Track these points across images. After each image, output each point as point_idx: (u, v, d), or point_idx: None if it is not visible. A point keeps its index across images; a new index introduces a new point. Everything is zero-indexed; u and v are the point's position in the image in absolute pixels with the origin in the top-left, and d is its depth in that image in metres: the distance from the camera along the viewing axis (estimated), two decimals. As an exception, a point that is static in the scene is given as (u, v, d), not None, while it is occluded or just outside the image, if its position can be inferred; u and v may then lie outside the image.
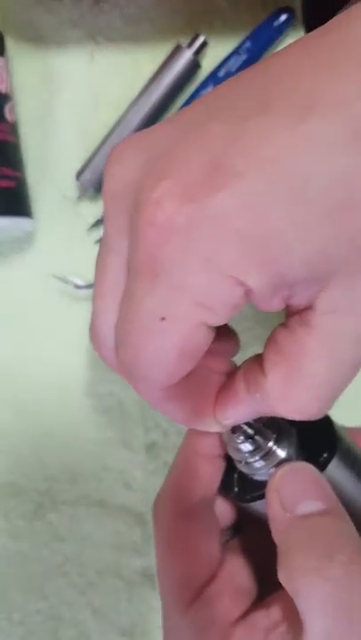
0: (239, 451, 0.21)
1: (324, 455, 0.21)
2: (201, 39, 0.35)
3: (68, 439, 0.37)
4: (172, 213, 0.16)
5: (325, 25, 0.17)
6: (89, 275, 0.36)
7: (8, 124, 0.33)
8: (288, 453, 0.21)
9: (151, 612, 0.37)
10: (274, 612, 0.20)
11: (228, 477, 0.23)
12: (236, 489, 0.23)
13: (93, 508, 0.37)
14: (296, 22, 0.36)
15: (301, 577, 0.18)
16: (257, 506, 0.22)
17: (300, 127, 0.15)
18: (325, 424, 0.22)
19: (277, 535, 0.20)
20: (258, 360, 0.20)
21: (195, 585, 0.21)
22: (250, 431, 0.21)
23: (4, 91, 0.33)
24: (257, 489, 0.21)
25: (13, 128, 0.34)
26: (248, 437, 0.21)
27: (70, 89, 0.37)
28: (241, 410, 0.20)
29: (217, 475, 0.23)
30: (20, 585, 0.38)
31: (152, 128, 0.18)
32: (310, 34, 0.17)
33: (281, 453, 0.21)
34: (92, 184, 0.35)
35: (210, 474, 0.23)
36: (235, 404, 0.20)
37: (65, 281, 0.36)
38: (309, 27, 0.33)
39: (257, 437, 0.21)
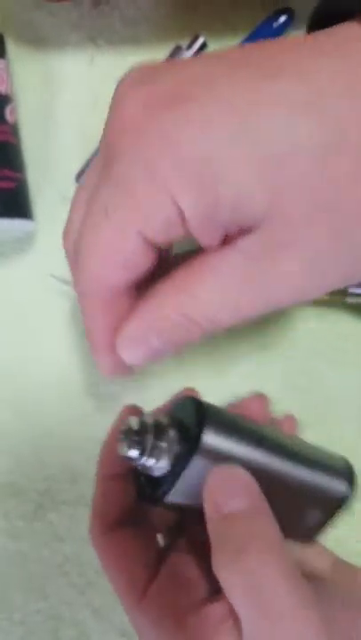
0: (132, 459, 0.23)
1: (196, 431, 0.22)
2: (201, 40, 0.35)
3: (68, 439, 0.38)
4: (133, 112, 0.18)
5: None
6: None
7: (9, 125, 0.34)
8: (168, 441, 0.23)
9: (151, 611, 0.37)
10: (224, 605, 0.21)
11: (139, 485, 0.25)
12: (148, 491, 0.24)
13: (93, 507, 0.37)
14: (295, 23, 0.36)
15: (223, 570, 0.20)
16: (176, 500, 0.23)
17: (263, 82, 0.17)
18: (194, 405, 0.23)
19: (209, 531, 0.21)
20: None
21: (138, 585, 0.23)
22: (134, 438, 0.23)
23: (4, 92, 0.34)
24: (163, 484, 0.23)
25: (14, 129, 0.34)
26: (132, 443, 0.23)
27: (70, 91, 0.37)
28: (135, 324, 0.22)
29: (127, 489, 0.25)
30: (21, 585, 0.38)
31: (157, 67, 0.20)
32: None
33: (163, 444, 0.23)
34: (92, 185, 0.35)
35: (119, 491, 0.25)
36: (129, 321, 0.22)
37: (64, 281, 0.36)
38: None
39: (139, 439, 0.23)
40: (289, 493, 0.25)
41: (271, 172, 0.17)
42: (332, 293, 0.32)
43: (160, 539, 0.26)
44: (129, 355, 0.23)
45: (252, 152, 0.17)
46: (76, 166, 0.36)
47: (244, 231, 0.19)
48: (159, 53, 0.36)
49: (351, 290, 0.32)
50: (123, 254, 0.20)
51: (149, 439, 0.23)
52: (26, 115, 0.36)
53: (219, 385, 0.35)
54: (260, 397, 0.31)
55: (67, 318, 0.37)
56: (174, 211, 0.18)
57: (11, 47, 0.36)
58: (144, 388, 0.37)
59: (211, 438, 0.22)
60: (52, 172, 0.37)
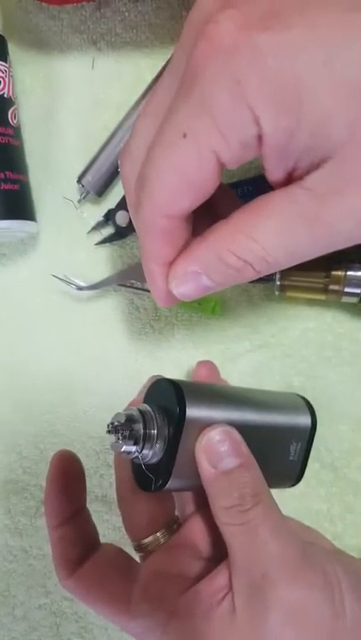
0: (129, 453, 0.24)
1: (181, 409, 0.24)
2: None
3: (70, 436, 0.38)
4: (225, 33, 0.18)
5: None
6: (90, 276, 0.37)
7: (12, 128, 0.34)
8: (157, 427, 0.24)
9: (151, 606, 0.37)
10: (220, 580, 0.23)
11: (139, 477, 0.26)
12: (148, 480, 0.25)
13: (95, 504, 0.37)
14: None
15: (225, 516, 0.23)
16: (176, 482, 0.25)
17: (355, 12, 0.17)
18: (169, 385, 0.25)
19: (207, 487, 0.24)
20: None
21: (122, 600, 0.25)
22: (125, 433, 0.24)
23: (7, 95, 0.34)
24: (161, 469, 0.25)
25: (16, 132, 0.34)
26: (125, 438, 0.24)
27: (72, 93, 0.37)
28: (188, 263, 0.22)
29: (79, 527, 0.27)
30: (23, 581, 0.38)
31: None
32: None
33: (153, 432, 0.24)
34: (94, 187, 0.36)
35: (72, 532, 0.26)
36: (183, 258, 0.22)
37: (67, 282, 0.36)
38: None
39: (130, 433, 0.24)
40: (268, 439, 0.27)
41: (357, 99, 0.17)
42: (329, 293, 0.33)
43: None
44: (180, 291, 0.23)
45: (340, 78, 0.17)
46: (78, 168, 0.36)
47: (312, 167, 0.19)
48: (160, 57, 0.36)
49: (347, 290, 0.32)
50: (197, 176, 0.20)
51: (139, 429, 0.24)
52: (28, 117, 0.37)
53: (218, 383, 0.36)
54: (207, 363, 0.34)
55: (69, 318, 0.38)
56: (254, 131, 0.18)
57: (13, 50, 0.36)
58: (144, 388, 0.37)
59: (194, 411, 0.24)
60: (54, 173, 0.37)
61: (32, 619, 0.38)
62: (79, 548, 0.26)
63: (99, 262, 0.37)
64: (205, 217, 0.23)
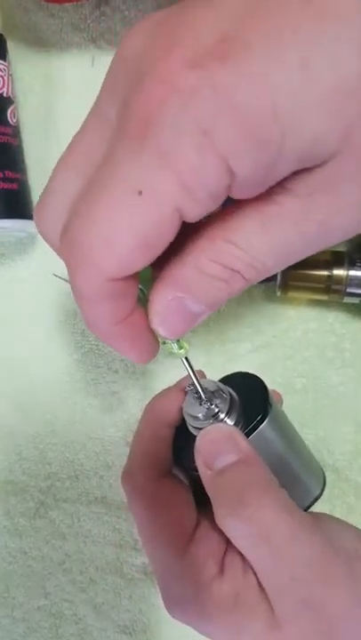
0: (197, 418, 0.24)
1: (258, 418, 0.24)
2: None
3: (70, 437, 0.38)
4: (178, 74, 0.15)
5: None
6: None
7: (10, 127, 0.34)
8: (236, 408, 0.24)
9: (152, 608, 0.37)
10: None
11: (179, 453, 0.26)
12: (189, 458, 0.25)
13: (95, 505, 0.37)
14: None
15: (224, 522, 0.22)
16: None
17: (309, 7, 0.15)
18: (261, 389, 0.25)
19: (207, 489, 0.23)
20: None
21: (187, 532, 0.24)
22: (205, 397, 0.24)
23: (6, 94, 0.34)
24: None
25: (16, 131, 0.34)
26: (205, 403, 0.24)
27: (72, 92, 0.37)
28: (164, 293, 0.19)
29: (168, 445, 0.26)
30: (22, 582, 0.38)
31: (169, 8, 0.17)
32: None
33: (230, 422, 0.24)
34: (94, 186, 0.36)
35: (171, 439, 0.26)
36: (155, 291, 0.19)
37: (66, 280, 0.36)
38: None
39: (211, 405, 0.24)
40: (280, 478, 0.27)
41: (344, 107, 0.15)
42: (331, 293, 0.32)
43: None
44: (167, 329, 0.20)
45: (323, 88, 0.15)
46: (78, 167, 0.36)
47: (295, 177, 0.17)
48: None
49: (350, 290, 0.32)
50: (156, 235, 0.17)
51: (220, 414, 0.24)
52: (27, 116, 0.36)
53: (219, 384, 0.36)
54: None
55: (69, 317, 0.37)
56: (226, 180, 0.16)
57: (12, 49, 0.36)
58: (145, 388, 0.37)
59: (266, 429, 0.24)
60: (53, 172, 0.37)
61: (31, 620, 0.38)
62: (163, 461, 0.27)
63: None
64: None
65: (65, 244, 0.18)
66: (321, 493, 0.29)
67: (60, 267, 0.38)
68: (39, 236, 0.38)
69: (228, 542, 0.24)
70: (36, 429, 0.38)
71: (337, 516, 0.36)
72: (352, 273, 0.32)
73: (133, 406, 0.37)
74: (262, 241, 0.18)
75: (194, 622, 0.24)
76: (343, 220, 0.18)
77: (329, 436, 0.35)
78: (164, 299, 0.19)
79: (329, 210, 0.17)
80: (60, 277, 0.36)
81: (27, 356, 0.38)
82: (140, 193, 0.16)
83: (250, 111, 0.15)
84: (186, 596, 0.23)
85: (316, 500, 0.29)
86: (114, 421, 0.37)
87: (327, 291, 0.33)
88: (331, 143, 0.16)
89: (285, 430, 0.26)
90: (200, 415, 0.24)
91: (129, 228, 0.17)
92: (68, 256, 0.18)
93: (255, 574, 0.23)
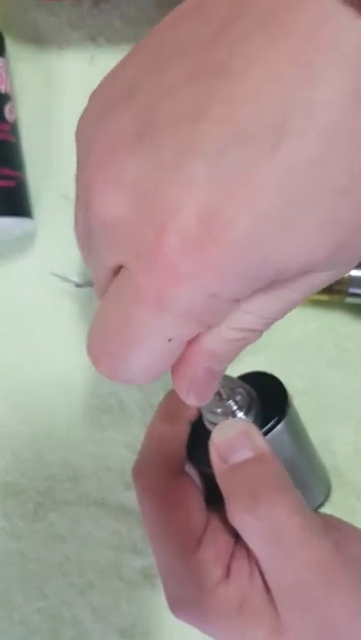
0: (215, 414, 0.24)
1: (276, 418, 0.24)
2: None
3: (69, 439, 0.37)
4: (179, 263, 0.16)
5: None
6: (89, 274, 0.36)
7: (8, 124, 0.34)
8: (256, 407, 0.24)
9: (151, 611, 0.37)
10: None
11: (194, 448, 0.26)
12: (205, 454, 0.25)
13: (94, 507, 0.37)
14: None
15: (238, 518, 0.22)
16: None
17: (276, 150, 0.14)
18: (280, 390, 0.25)
19: (220, 483, 0.23)
20: None
21: (195, 534, 0.24)
22: (224, 395, 0.24)
23: (4, 91, 0.34)
24: None
25: (14, 128, 0.34)
26: (225, 399, 0.24)
27: (70, 89, 0.37)
28: (186, 366, 0.20)
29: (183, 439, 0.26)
30: (20, 585, 0.38)
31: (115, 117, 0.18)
32: None
33: (253, 410, 0.24)
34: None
35: (186, 436, 0.26)
36: (176, 370, 0.20)
37: (65, 279, 0.36)
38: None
39: (231, 401, 0.24)
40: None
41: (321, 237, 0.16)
42: (333, 293, 0.32)
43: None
44: (197, 398, 0.20)
45: (313, 215, 0.15)
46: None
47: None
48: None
49: (351, 290, 0.32)
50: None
51: (239, 413, 0.24)
52: (26, 113, 0.36)
53: (219, 385, 0.35)
54: None
55: (67, 316, 0.37)
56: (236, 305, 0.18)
57: (10, 46, 0.36)
58: (145, 389, 0.37)
59: (282, 430, 0.24)
60: (51, 170, 0.36)
61: (30, 623, 0.38)
62: (179, 456, 0.26)
63: (97, 261, 0.37)
64: None
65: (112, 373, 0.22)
66: (325, 501, 0.29)
67: (59, 265, 0.38)
68: (38, 235, 0.37)
69: (235, 544, 0.24)
70: (34, 431, 0.38)
71: (339, 518, 0.36)
72: (354, 273, 0.31)
73: (133, 408, 0.36)
74: (275, 307, 0.20)
75: (197, 624, 0.24)
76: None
77: (331, 438, 0.35)
78: (196, 368, 0.20)
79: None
80: (58, 276, 0.36)
81: (25, 357, 0.38)
82: (170, 340, 0.18)
83: (247, 274, 0.16)
84: (190, 599, 0.23)
85: (319, 507, 0.28)
86: (113, 423, 0.37)
87: (329, 291, 0.32)
88: (323, 252, 0.16)
89: (300, 434, 0.26)
90: (219, 410, 0.24)
91: (161, 362, 0.19)
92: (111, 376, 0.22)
93: (262, 575, 0.22)
